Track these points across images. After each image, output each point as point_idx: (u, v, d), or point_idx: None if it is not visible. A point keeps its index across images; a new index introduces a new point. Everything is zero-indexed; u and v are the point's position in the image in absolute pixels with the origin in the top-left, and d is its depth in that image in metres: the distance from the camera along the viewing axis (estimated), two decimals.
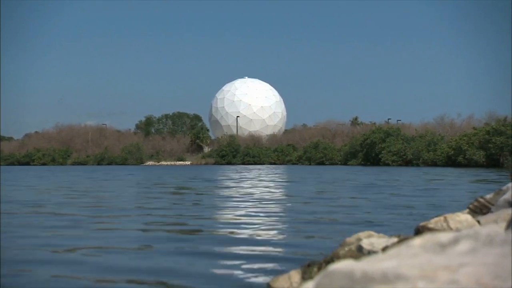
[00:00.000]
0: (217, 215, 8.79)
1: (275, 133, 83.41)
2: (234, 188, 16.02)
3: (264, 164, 67.83)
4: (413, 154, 51.19)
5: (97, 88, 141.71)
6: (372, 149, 55.26)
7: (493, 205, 3.67)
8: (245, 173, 30.80)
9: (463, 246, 1.52)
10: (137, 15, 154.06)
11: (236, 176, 26.77)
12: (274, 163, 68.24)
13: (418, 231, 3.37)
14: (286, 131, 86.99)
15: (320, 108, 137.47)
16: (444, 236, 1.60)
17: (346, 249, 3.27)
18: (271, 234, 6.32)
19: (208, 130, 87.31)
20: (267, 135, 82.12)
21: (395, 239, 3.21)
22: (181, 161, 77.60)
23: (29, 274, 4.20)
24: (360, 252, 3.09)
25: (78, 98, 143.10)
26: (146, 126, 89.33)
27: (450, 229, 3.20)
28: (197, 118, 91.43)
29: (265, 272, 4.19)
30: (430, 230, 3.25)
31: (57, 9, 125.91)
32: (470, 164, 42.70)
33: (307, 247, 5.26)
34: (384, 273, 1.33)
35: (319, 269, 3.06)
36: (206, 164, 72.01)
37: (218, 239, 6.07)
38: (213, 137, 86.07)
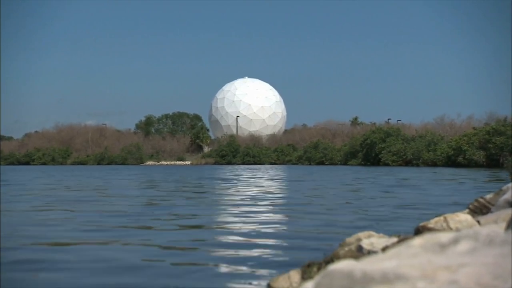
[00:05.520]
0: (216, 215, 8.79)
1: (275, 133, 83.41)
2: (233, 188, 16.02)
3: (264, 164, 67.82)
4: (413, 154, 51.19)
5: (97, 88, 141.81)
6: (372, 149, 55.26)
7: (493, 205, 3.67)
8: (246, 173, 30.82)
9: (463, 246, 1.52)
10: (137, 15, 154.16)
11: (237, 176, 26.78)
12: (274, 163, 68.23)
13: (418, 231, 3.37)
14: (286, 131, 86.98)
15: (320, 108, 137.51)
16: (444, 236, 1.60)
17: (346, 249, 3.27)
18: (271, 234, 6.32)
19: (208, 130, 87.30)
20: (267, 135, 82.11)
21: (395, 239, 3.21)
22: (181, 161, 77.58)
23: None
24: (360, 252, 3.09)
25: (78, 98, 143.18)
26: (146, 126, 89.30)
27: (450, 229, 3.20)
28: (197, 118, 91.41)
29: (265, 272, 4.19)
30: (430, 230, 3.25)
31: (57, 9, 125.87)
32: (470, 164, 42.70)
33: (307, 247, 5.26)
34: (384, 273, 1.33)
35: (319, 269, 3.06)
36: (206, 164, 72.01)
37: (218, 238, 6.07)
38: (213, 137, 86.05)
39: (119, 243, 5.63)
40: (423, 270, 1.33)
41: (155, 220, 7.75)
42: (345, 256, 3.11)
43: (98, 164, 75.07)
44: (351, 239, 3.50)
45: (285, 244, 5.60)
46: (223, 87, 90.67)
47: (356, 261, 1.48)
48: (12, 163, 78.72)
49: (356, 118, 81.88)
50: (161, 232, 6.58)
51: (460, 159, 44.09)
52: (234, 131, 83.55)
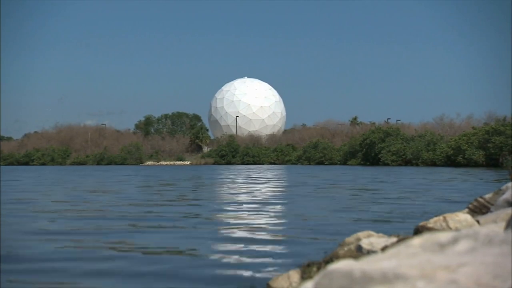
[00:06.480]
0: (216, 215, 8.79)
1: (274, 133, 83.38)
2: (232, 188, 16.02)
3: (263, 164, 67.79)
4: (413, 154, 51.20)
5: (97, 88, 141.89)
6: (371, 149, 55.27)
7: (492, 205, 3.67)
8: (248, 173, 30.82)
9: (463, 246, 1.52)
10: (137, 15, 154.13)
11: (235, 176, 26.78)
12: (274, 163, 68.20)
13: (418, 231, 3.37)
14: (285, 131, 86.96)
15: (320, 108, 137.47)
16: (444, 236, 1.60)
17: (346, 249, 3.27)
18: (270, 234, 6.32)
19: (207, 130, 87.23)
20: (266, 135, 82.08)
21: (394, 239, 3.21)
22: (180, 161, 77.52)
23: None
24: (359, 252, 3.09)
25: (78, 98, 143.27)
26: (146, 126, 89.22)
27: (450, 228, 3.20)
28: (197, 118, 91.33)
29: (264, 271, 4.19)
30: (430, 229, 3.25)
31: (57, 9, 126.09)
32: (469, 164, 42.72)
33: (306, 247, 5.26)
34: (384, 273, 1.33)
35: (319, 269, 3.06)
36: (205, 164, 71.97)
37: (218, 238, 6.07)
38: (212, 137, 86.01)
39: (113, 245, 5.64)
40: (422, 270, 1.33)
41: (155, 219, 7.76)
42: (344, 256, 3.11)
43: (98, 164, 74.99)
44: (350, 239, 3.50)
45: (284, 244, 5.60)
46: (223, 87, 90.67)
47: (356, 261, 1.48)
48: (11, 164, 78.63)
49: (355, 118, 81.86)
50: (158, 231, 6.58)
51: (459, 158, 44.12)
52: (234, 131, 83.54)
